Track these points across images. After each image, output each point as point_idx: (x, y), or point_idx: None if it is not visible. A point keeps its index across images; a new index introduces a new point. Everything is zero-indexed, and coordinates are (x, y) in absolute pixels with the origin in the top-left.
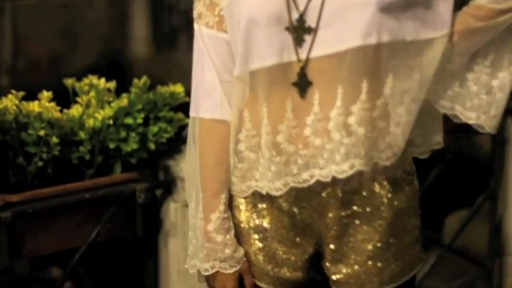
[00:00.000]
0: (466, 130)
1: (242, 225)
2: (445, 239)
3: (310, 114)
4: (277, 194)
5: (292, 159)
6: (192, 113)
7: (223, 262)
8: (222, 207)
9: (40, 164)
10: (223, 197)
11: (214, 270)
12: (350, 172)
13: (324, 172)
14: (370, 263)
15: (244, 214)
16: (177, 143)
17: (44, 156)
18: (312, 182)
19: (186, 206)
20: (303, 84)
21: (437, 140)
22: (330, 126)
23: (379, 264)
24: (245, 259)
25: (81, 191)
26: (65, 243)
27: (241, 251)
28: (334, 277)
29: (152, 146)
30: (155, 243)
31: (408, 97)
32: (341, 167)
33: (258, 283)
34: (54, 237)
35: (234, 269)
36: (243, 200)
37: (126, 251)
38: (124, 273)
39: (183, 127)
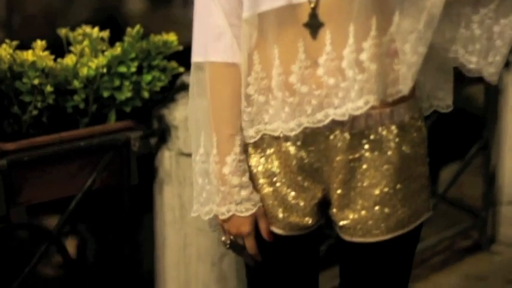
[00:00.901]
0: (461, 81)
1: (251, 170)
2: (438, 190)
3: (323, 54)
4: (291, 134)
5: (306, 99)
6: (197, 58)
7: (239, 205)
8: (237, 149)
9: (35, 112)
10: (238, 139)
11: (230, 213)
12: (365, 108)
13: (340, 111)
14: (377, 208)
15: (252, 159)
16: (170, 91)
17: (39, 105)
18: (326, 121)
19: (181, 154)
20: (314, 25)
21: (448, 103)
22: (343, 65)
23: (386, 210)
24: (261, 203)
25: (76, 140)
26: (60, 191)
27: (257, 194)
28: (341, 223)
29: (146, 95)
30: (150, 192)
31: (414, 36)
32: (356, 104)
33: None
34: (50, 186)
35: (250, 212)
36: (251, 146)
37: (121, 199)
38: (119, 222)
39: (177, 76)
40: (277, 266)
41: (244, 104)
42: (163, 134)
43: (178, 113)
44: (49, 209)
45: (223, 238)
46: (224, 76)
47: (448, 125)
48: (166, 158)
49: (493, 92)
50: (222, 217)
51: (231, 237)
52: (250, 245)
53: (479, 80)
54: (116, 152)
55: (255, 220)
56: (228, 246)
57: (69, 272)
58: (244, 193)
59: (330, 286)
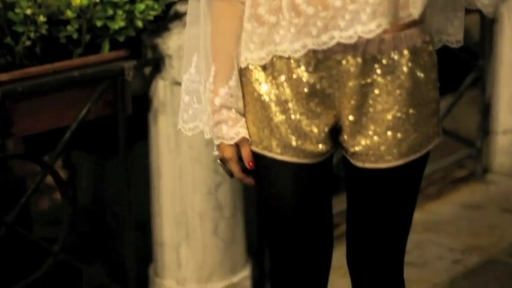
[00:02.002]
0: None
1: (263, 99)
2: None
3: None
4: (296, 56)
5: (311, 21)
6: None
7: (226, 135)
8: (232, 83)
9: (28, 43)
10: (234, 73)
11: (218, 141)
12: (377, 31)
13: (346, 33)
14: (389, 133)
15: (264, 87)
16: (164, 21)
17: (32, 35)
18: (331, 44)
19: (175, 83)
20: None
21: (458, 38)
22: None
23: (399, 135)
24: (244, 135)
25: (70, 70)
26: (54, 121)
27: (243, 126)
28: (352, 149)
29: (139, 24)
30: (145, 121)
31: None
32: (368, 27)
33: (281, 157)
34: (45, 116)
35: (233, 141)
36: (262, 73)
37: (116, 130)
38: (114, 153)
39: (170, 5)
40: (292, 195)
41: (255, 24)
42: (157, 63)
43: (172, 42)
44: (47, 145)
45: (216, 153)
46: (226, 7)
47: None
48: (161, 88)
49: (489, 22)
50: (214, 142)
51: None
52: (234, 169)
53: (474, 11)
54: (110, 82)
55: (237, 147)
56: (220, 165)
57: (64, 202)
58: (230, 124)
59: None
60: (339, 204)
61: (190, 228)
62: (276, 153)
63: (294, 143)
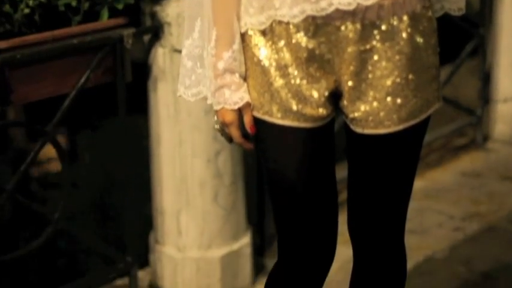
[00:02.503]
0: None
1: (262, 63)
2: None
3: None
4: (294, 21)
5: None
6: None
7: (229, 99)
8: (236, 47)
9: (27, 11)
10: (237, 37)
11: (221, 106)
12: None
13: (345, 0)
14: (389, 99)
15: (264, 52)
16: None
17: (31, 3)
18: (330, 10)
19: (174, 51)
20: None
21: (460, 6)
22: None
23: (398, 101)
24: (248, 99)
25: (69, 38)
26: (54, 89)
27: (246, 91)
28: (352, 115)
29: None
30: (144, 89)
31: None
32: None
33: (282, 122)
34: (44, 84)
35: (237, 106)
36: (261, 38)
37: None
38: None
39: None
40: (293, 160)
41: None
42: (156, 31)
43: (171, 10)
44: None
45: (215, 119)
46: None
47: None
48: (160, 55)
49: None
50: (215, 107)
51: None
52: (234, 134)
53: None
54: (109, 50)
55: (239, 112)
56: (219, 130)
57: (64, 170)
58: (234, 89)
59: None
60: (340, 171)
61: (190, 196)
62: (276, 118)
63: (294, 107)
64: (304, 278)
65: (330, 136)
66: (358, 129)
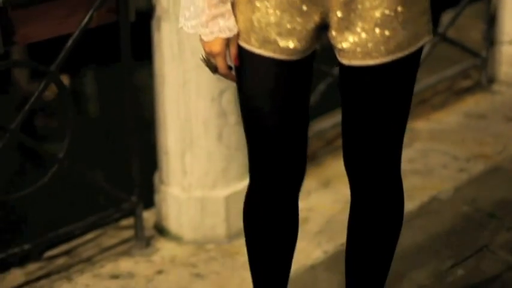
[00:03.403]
0: None
1: None
2: (439, 30)
3: None
4: None
5: None
6: None
7: (223, 28)
8: None
9: None
10: None
11: (213, 36)
12: None
13: None
14: (377, 30)
15: None
16: None
17: None
18: None
19: None
20: None
21: None
22: None
23: (387, 33)
24: (237, 29)
25: None
26: (57, 29)
27: (234, 21)
28: (340, 45)
29: None
30: (148, 29)
31: None
32: None
33: (258, 50)
34: (47, 24)
35: (226, 35)
36: None
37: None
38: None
39: None
40: (268, 90)
41: None
42: None
43: None
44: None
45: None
46: None
47: None
48: None
49: None
50: (204, 38)
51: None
52: (221, 64)
53: None
54: None
55: (226, 43)
56: (203, 61)
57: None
58: (227, 17)
59: (331, 124)
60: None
61: (195, 136)
62: (254, 47)
63: (272, 38)
64: (274, 200)
65: (307, 70)
66: (345, 61)
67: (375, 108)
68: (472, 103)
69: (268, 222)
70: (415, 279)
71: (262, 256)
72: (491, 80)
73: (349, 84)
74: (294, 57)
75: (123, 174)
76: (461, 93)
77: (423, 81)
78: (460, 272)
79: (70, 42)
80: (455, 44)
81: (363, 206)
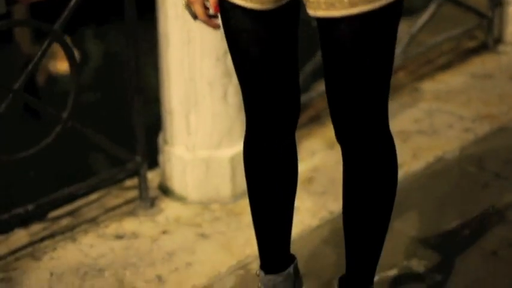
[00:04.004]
0: None
1: None
2: None
3: None
4: None
5: None
6: None
7: None
8: None
9: None
10: None
11: None
12: None
13: None
14: None
15: None
16: None
17: None
18: None
19: None
20: None
21: None
22: None
23: None
24: None
25: None
26: None
27: None
28: None
29: None
30: None
31: None
32: None
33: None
34: None
35: None
36: None
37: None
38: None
39: None
40: (249, 40)
41: None
42: None
43: None
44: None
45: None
46: None
47: None
48: None
49: None
50: None
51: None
52: (198, 11)
53: None
54: None
55: None
56: (185, 7)
57: (71, 69)
58: None
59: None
60: None
61: (199, 95)
62: None
63: None
64: (269, 140)
65: (287, 20)
66: (311, 12)
67: (351, 62)
68: (478, 63)
69: (265, 164)
70: (421, 239)
71: (263, 203)
72: (498, 41)
73: (325, 38)
74: (265, 7)
75: (127, 135)
76: (467, 53)
77: (428, 41)
78: (466, 231)
79: (73, 1)
80: (461, 4)
81: (354, 165)
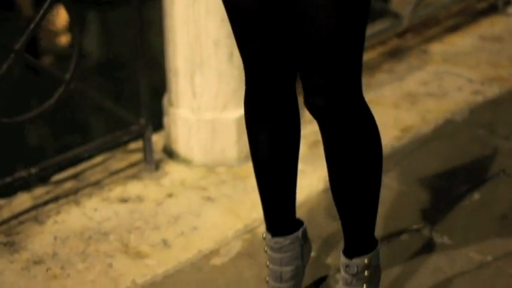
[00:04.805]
0: None
1: None
2: None
3: None
4: None
5: None
6: None
7: None
8: None
9: None
10: None
11: None
12: None
13: None
14: None
15: None
16: None
17: None
18: None
19: None
20: None
21: None
22: None
23: None
24: None
25: None
26: None
27: None
28: None
29: None
30: None
31: None
32: None
33: None
34: None
35: None
36: None
37: None
38: None
39: None
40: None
41: None
42: None
43: None
44: None
45: None
46: None
47: None
48: None
49: None
50: None
51: None
52: None
53: None
54: None
55: None
56: None
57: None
58: None
59: None
60: None
61: (205, 56)
62: None
63: None
64: (269, 94)
65: None
66: None
67: (319, 22)
68: (487, 25)
69: (266, 119)
70: (430, 204)
71: (266, 162)
72: (507, 3)
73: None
74: None
75: (131, 98)
76: (476, 15)
77: (437, 2)
78: (476, 196)
79: None
80: None
81: (328, 137)
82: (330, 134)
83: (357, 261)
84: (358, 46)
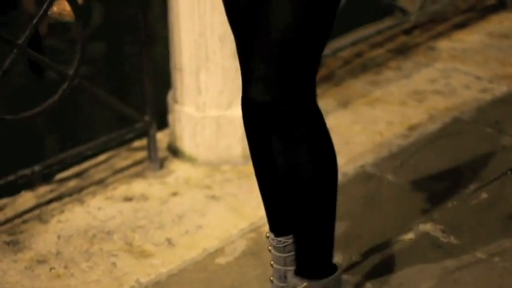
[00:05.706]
0: None
1: None
2: None
3: None
4: None
5: None
6: None
7: None
8: None
9: None
10: None
11: None
12: None
13: None
14: None
15: None
16: None
17: None
18: None
19: None
20: None
21: None
22: None
23: None
24: None
25: None
26: None
27: None
28: None
29: None
30: None
31: None
32: None
33: None
34: None
35: None
36: None
37: None
38: None
39: None
40: None
41: None
42: None
43: None
44: None
45: None
46: None
47: None
48: None
49: None
50: None
51: None
52: None
53: None
54: None
55: None
56: None
57: (78, 24)
58: None
59: (348, 42)
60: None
61: (210, 52)
62: None
63: None
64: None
65: None
66: None
67: (276, 14)
68: (496, 22)
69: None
70: (437, 202)
71: (265, 163)
72: None
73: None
74: None
75: (136, 96)
76: (484, 12)
77: None
78: (483, 195)
79: None
80: None
81: (269, 139)
82: (268, 136)
83: (294, 280)
84: (314, 44)
